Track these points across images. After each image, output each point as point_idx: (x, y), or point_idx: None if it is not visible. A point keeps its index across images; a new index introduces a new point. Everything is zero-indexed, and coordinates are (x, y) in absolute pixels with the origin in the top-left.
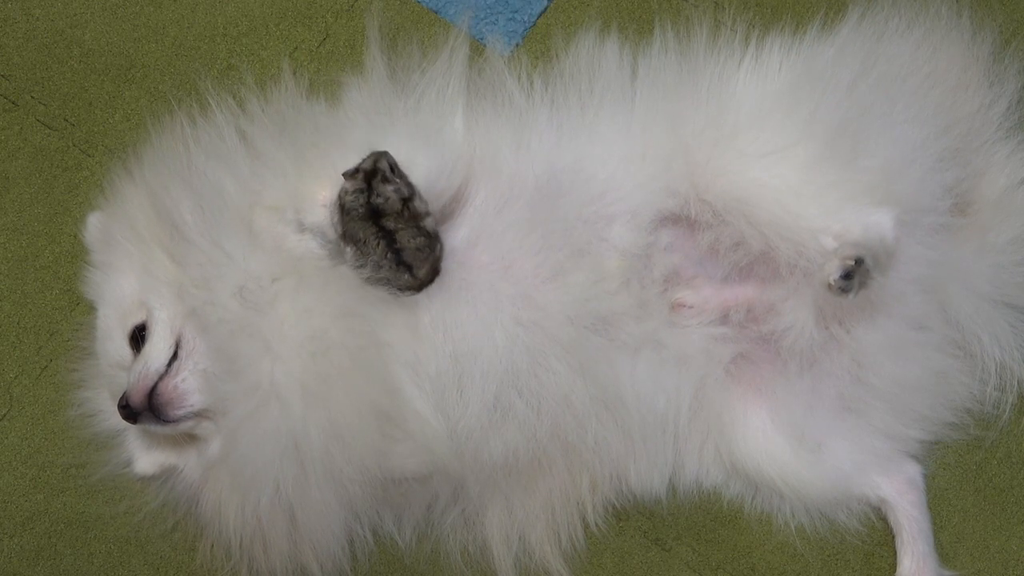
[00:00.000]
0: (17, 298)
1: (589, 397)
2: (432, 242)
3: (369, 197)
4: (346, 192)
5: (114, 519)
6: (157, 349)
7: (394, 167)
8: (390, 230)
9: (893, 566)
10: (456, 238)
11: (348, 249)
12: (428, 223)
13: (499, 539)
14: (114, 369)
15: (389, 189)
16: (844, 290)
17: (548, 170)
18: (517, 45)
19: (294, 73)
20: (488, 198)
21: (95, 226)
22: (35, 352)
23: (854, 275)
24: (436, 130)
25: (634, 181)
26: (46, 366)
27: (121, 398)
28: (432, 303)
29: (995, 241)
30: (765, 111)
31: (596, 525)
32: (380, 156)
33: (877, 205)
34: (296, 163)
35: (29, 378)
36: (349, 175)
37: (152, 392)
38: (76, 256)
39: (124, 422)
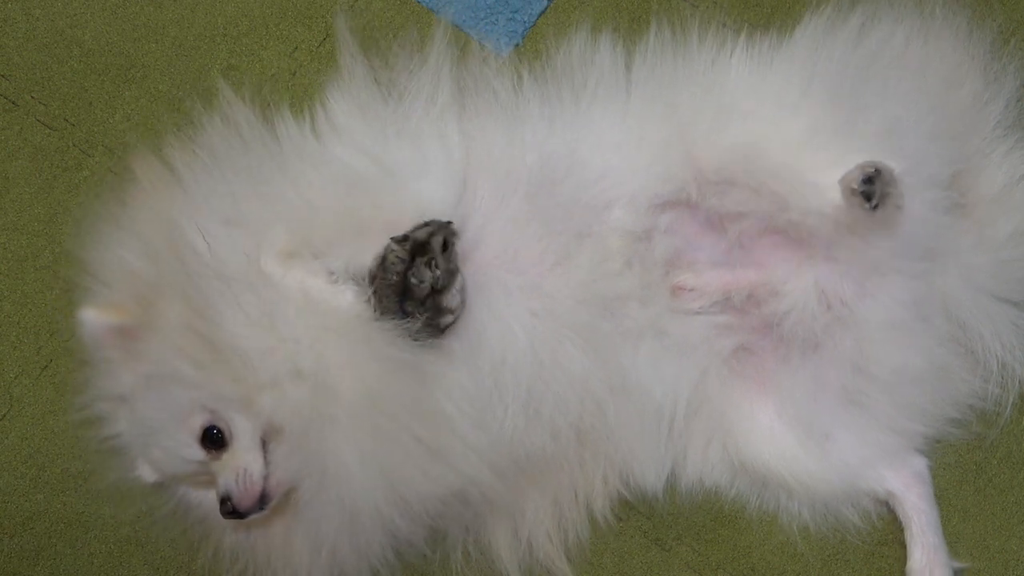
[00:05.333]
0: (17, 298)
1: (603, 383)
2: (436, 333)
3: (407, 271)
4: (391, 251)
5: (114, 519)
6: (252, 456)
7: (448, 244)
8: (407, 312)
9: (893, 566)
10: (462, 242)
11: (370, 294)
12: (445, 320)
13: (503, 537)
14: (172, 458)
15: (427, 275)
16: (868, 196)
17: (543, 159)
18: (517, 45)
19: (267, 96)
20: (488, 196)
21: (103, 328)
22: (35, 352)
23: (875, 181)
24: (436, 149)
25: (630, 167)
26: (46, 366)
27: (225, 504)
28: (455, 325)
29: (994, 236)
30: (762, 81)
31: (604, 519)
32: (438, 230)
33: (883, 156)
34: (306, 202)
35: (29, 378)
36: (398, 240)
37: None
38: (76, 256)
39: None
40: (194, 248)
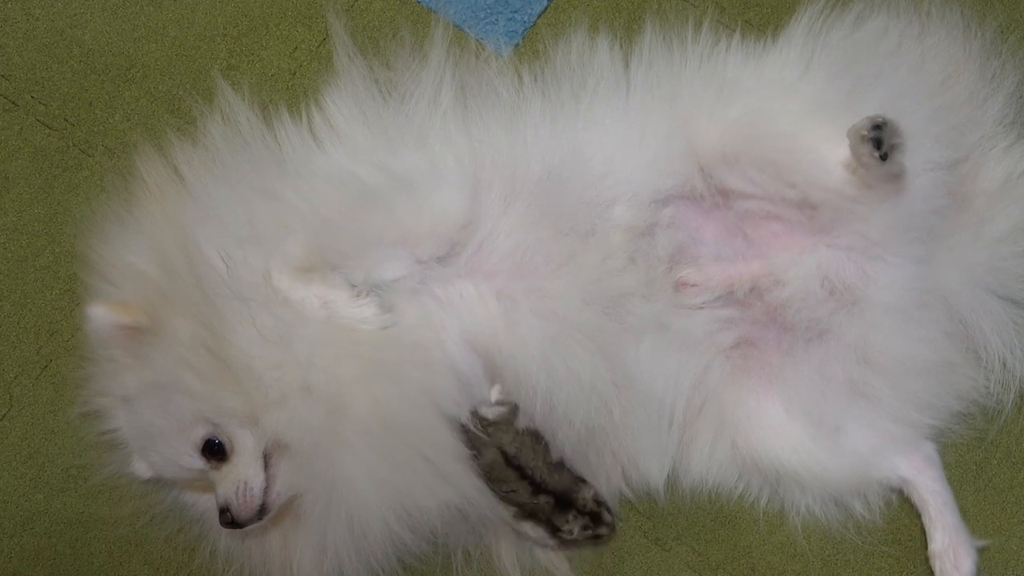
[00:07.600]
0: (17, 298)
1: (608, 381)
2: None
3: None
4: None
5: (114, 520)
6: (253, 470)
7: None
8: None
9: (893, 566)
10: (466, 253)
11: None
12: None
13: (504, 537)
14: (170, 464)
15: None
16: (877, 142)
17: (547, 162)
18: (517, 45)
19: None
20: (495, 200)
21: (110, 326)
22: (35, 352)
23: (884, 129)
24: (445, 155)
25: (633, 164)
26: (46, 366)
27: (225, 514)
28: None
29: (994, 231)
30: (762, 64)
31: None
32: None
33: None
34: (320, 216)
35: (29, 378)
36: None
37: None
38: (76, 256)
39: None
40: (212, 267)
